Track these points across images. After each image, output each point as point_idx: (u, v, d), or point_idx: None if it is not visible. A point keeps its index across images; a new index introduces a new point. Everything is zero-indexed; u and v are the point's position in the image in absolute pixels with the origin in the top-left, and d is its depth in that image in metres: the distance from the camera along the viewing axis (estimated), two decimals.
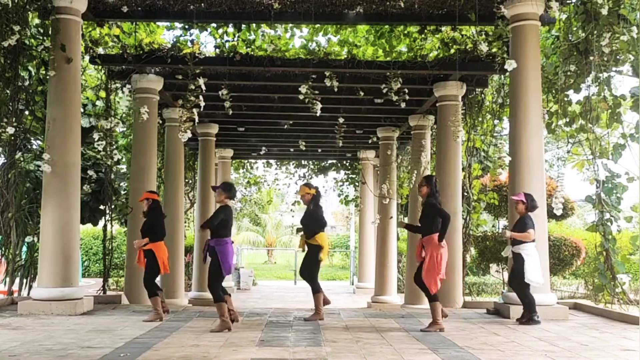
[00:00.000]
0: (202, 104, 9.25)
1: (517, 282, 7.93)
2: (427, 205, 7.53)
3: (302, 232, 8.49)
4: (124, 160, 12.97)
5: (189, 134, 9.48)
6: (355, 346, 6.26)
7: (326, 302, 8.45)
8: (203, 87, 9.33)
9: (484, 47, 9.06)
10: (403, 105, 10.42)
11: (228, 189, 7.46)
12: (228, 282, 19.22)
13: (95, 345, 6.08)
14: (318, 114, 9.93)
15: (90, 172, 11.61)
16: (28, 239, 10.34)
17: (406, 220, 15.73)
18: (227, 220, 7.31)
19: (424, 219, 7.56)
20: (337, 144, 11.58)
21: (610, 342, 6.70)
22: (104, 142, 10.21)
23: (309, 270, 8.45)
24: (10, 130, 8.76)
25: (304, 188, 8.50)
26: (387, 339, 6.72)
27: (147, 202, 8.21)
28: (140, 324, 7.67)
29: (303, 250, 8.48)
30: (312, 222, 8.34)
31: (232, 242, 7.46)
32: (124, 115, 12.70)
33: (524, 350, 6.12)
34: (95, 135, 10.22)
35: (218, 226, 7.26)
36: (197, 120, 9.37)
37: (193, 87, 9.25)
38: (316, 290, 8.32)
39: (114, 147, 10.25)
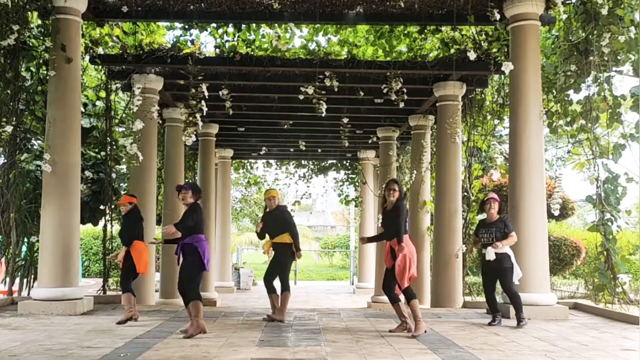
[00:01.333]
0: (205, 108, 9.25)
1: (508, 282, 7.92)
2: (397, 209, 7.23)
3: (260, 229, 8.43)
4: (124, 160, 12.98)
5: (193, 138, 9.49)
6: (355, 346, 6.26)
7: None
8: (206, 93, 9.34)
9: (472, 55, 9.04)
10: (402, 105, 10.42)
11: (194, 189, 7.27)
12: (229, 282, 19.26)
13: (95, 345, 6.08)
14: (323, 114, 9.93)
15: (88, 173, 11.60)
16: (33, 238, 10.35)
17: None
18: (198, 218, 7.09)
19: (394, 222, 7.23)
20: (343, 144, 11.58)
21: (610, 342, 6.70)
22: (134, 145, 10.16)
23: (284, 269, 8.32)
24: (9, 128, 8.74)
25: (274, 192, 8.52)
26: (387, 339, 6.71)
27: (129, 205, 8.13)
28: (140, 324, 7.67)
29: (268, 254, 8.35)
30: (282, 223, 8.28)
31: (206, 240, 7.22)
32: (124, 115, 12.71)
33: (524, 350, 6.12)
34: (130, 145, 10.16)
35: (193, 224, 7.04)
36: (200, 124, 9.37)
37: (194, 90, 9.26)
38: (286, 288, 8.23)
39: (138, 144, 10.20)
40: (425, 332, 7.04)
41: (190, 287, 6.95)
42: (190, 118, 9.26)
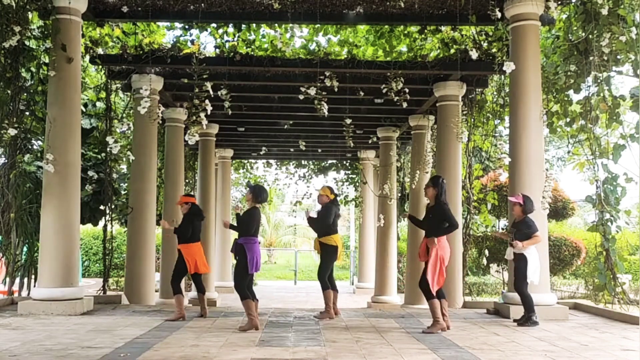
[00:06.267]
0: (210, 107, 9.24)
1: (518, 281, 7.92)
2: (440, 210, 7.39)
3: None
4: (124, 160, 12.98)
5: (197, 137, 9.49)
6: (355, 346, 6.26)
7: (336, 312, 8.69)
8: (211, 92, 9.33)
9: (474, 54, 9.04)
10: (405, 105, 10.43)
11: (258, 194, 7.58)
12: (229, 282, 19.23)
13: (95, 345, 6.08)
14: (325, 115, 9.93)
15: (91, 173, 11.60)
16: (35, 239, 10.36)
17: (406, 220, 15.72)
18: (253, 222, 7.49)
19: (432, 221, 7.45)
20: (348, 145, 11.58)
21: (610, 342, 6.70)
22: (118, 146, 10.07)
23: (319, 268, 8.77)
24: (12, 131, 8.76)
25: (327, 190, 8.76)
26: (387, 339, 6.72)
27: (187, 205, 8.37)
28: (140, 324, 7.67)
29: (318, 252, 8.80)
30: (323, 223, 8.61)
31: (259, 242, 7.61)
32: (124, 115, 12.71)
33: (523, 350, 6.12)
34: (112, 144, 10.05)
35: (245, 226, 7.48)
36: (205, 123, 9.36)
37: (198, 89, 9.25)
38: (324, 287, 8.60)
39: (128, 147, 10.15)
40: (439, 331, 7.18)
41: (237, 287, 7.41)
42: (195, 117, 9.26)
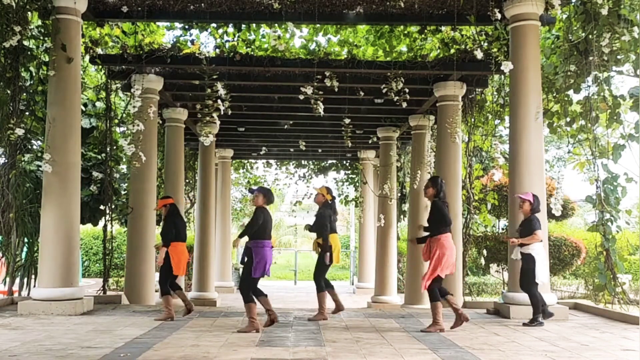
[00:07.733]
0: (222, 107, 9.23)
1: (528, 282, 7.90)
2: (433, 207, 7.56)
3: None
4: (124, 160, 12.98)
5: (211, 138, 9.47)
6: (355, 346, 6.26)
7: (339, 308, 8.61)
8: (222, 92, 9.34)
9: (479, 54, 9.05)
10: (404, 105, 10.44)
11: (269, 195, 7.52)
12: (229, 282, 19.27)
13: (95, 345, 6.08)
14: (321, 114, 9.94)
15: (96, 173, 11.61)
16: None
17: (406, 220, 15.74)
18: (265, 223, 7.38)
19: (430, 219, 7.58)
20: (346, 145, 11.58)
21: (610, 342, 6.70)
22: (132, 145, 9.99)
23: (314, 270, 8.67)
24: (20, 131, 8.75)
25: (324, 189, 8.73)
26: (387, 339, 6.72)
27: (165, 208, 8.34)
28: (140, 324, 7.67)
29: (317, 252, 8.71)
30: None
31: (272, 247, 7.47)
32: (124, 115, 12.72)
33: (524, 350, 6.12)
34: (127, 146, 9.94)
35: (256, 229, 7.33)
36: (218, 123, 9.34)
37: (210, 90, 9.26)
38: (319, 289, 8.48)
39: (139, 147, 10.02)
40: (437, 331, 7.21)
41: (242, 289, 7.33)
42: (208, 118, 9.26)
